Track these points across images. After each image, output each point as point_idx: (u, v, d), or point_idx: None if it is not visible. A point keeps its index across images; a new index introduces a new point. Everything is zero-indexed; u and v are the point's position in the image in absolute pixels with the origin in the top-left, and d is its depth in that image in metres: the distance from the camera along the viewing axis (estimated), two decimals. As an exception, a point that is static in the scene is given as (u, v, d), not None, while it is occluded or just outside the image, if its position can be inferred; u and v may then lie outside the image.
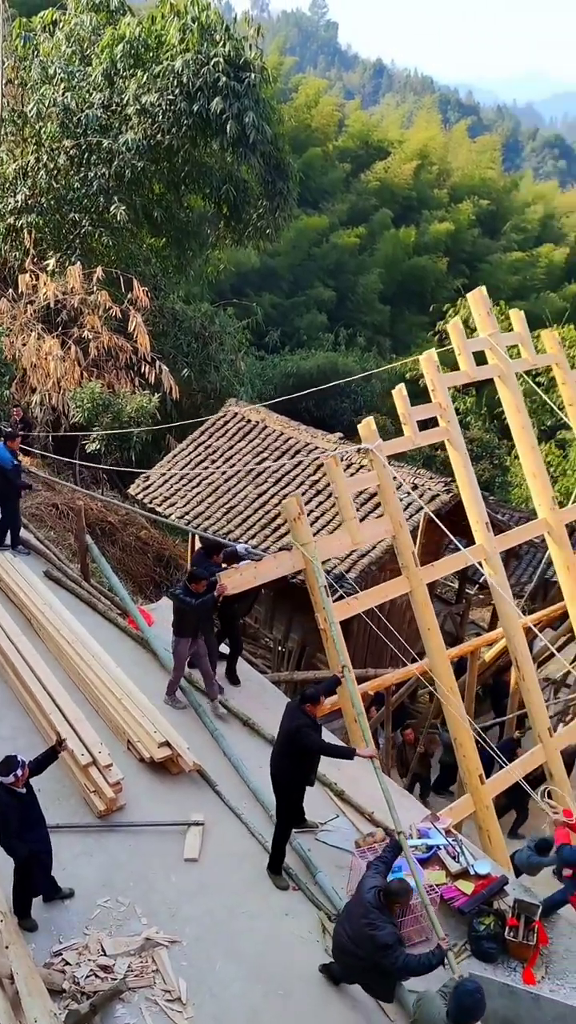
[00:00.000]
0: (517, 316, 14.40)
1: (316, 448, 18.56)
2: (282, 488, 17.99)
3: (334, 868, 8.48)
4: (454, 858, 8.22)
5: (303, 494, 17.82)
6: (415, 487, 16.23)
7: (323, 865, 8.46)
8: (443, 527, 13.07)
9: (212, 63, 21.82)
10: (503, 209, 55.71)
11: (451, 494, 16.12)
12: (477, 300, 13.64)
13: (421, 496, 15.92)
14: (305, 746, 7.87)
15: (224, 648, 11.36)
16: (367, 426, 11.68)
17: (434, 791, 15.07)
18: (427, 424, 12.67)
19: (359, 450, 11.89)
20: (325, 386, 19.39)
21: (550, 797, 9.59)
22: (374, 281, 46.61)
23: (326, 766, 9.58)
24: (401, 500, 16.27)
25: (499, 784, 12.01)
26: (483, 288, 13.90)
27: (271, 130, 23.37)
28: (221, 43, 22.15)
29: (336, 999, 7.24)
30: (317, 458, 18.47)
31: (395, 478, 12.11)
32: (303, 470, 18.35)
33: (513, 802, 15.03)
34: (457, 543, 13.29)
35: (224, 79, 21.76)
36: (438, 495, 16.18)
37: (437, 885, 7.88)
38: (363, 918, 6.51)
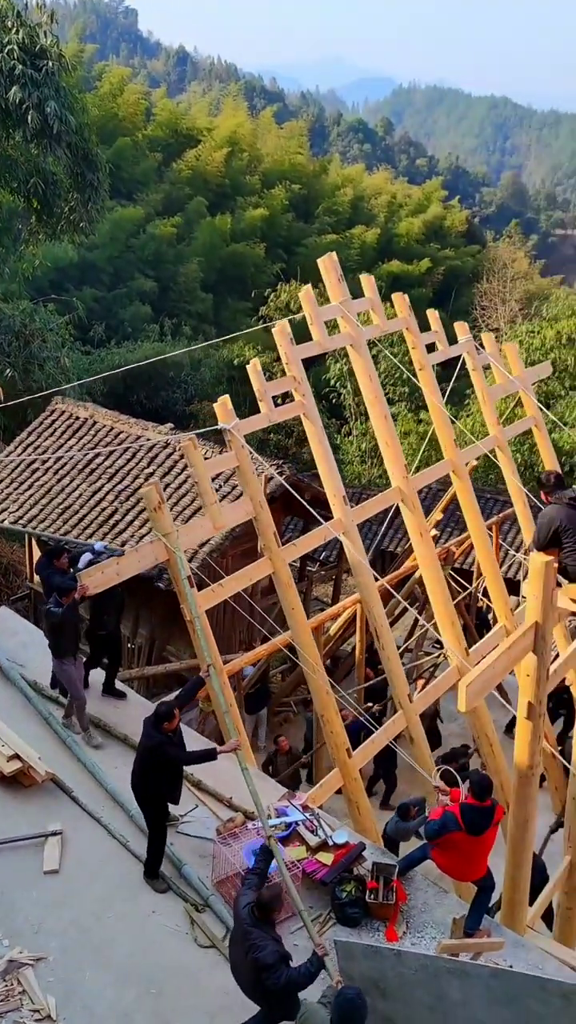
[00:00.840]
0: (368, 282, 13.95)
1: (148, 440, 18.39)
2: (117, 483, 17.74)
3: (198, 858, 8.49)
4: (312, 832, 8.41)
5: (139, 488, 17.61)
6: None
7: (187, 857, 8.46)
8: (304, 503, 12.82)
9: (6, 51, 21.03)
10: (314, 193, 56.73)
11: (284, 476, 16.35)
12: (328, 267, 13.07)
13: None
14: (165, 763, 7.87)
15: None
16: (223, 405, 11.28)
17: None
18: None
19: (218, 430, 11.20)
20: (130, 367, 18.85)
21: (443, 777, 9.80)
22: (194, 270, 46.49)
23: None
24: (236, 487, 16.43)
25: (365, 755, 12.30)
26: (333, 254, 13.36)
27: (75, 120, 22.81)
28: (14, 30, 21.39)
29: (210, 989, 7.26)
30: (151, 450, 18.31)
31: (254, 458, 11.79)
32: (137, 463, 18.15)
33: (382, 773, 15.55)
34: (319, 517, 12.88)
35: (20, 67, 21.04)
36: (272, 478, 16.38)
37: (299, 860, 8.03)
38: (244, 942, 6.32)
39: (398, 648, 13.97)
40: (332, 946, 7.10)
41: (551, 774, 15.15)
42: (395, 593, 14.15)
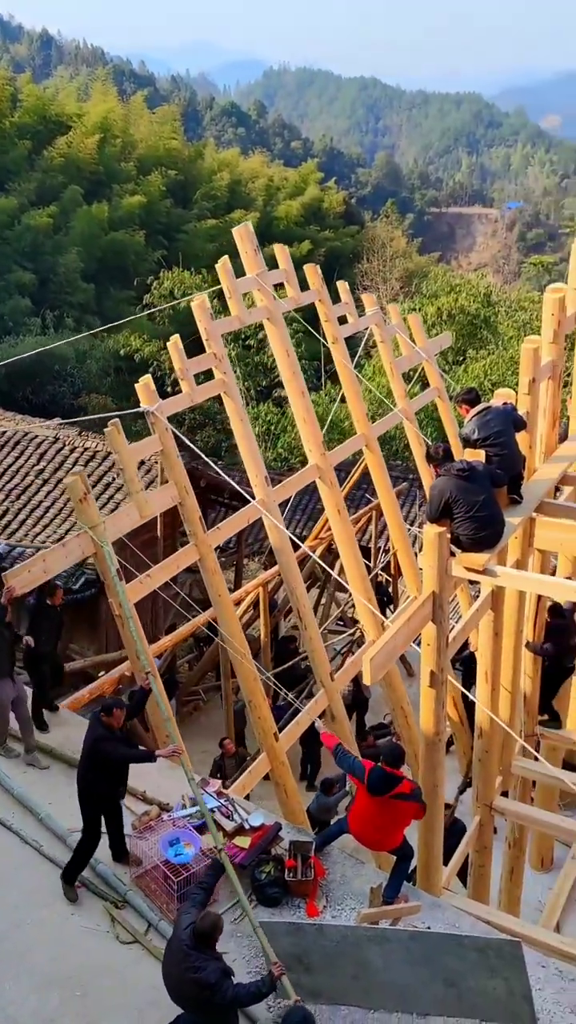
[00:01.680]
0: (282, 252, 13.60)
1: (36, 437, 17.97)
2: (6, 482, 17.29)
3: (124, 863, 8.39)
4: (228, 817, 8.43)
5: (30, 485, 17.22)
6: (142, 463, 16.16)
7: (102, 855, 8.34)
8: (232, 481, 12.60)
9: None
10: (191, 179, 56.20)
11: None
12: (244, 236, 12.54)
13: (148, 472, 15.90)
14: (105, 759, 7.72)
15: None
16: (146, 387, 10.68)
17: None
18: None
19: (143, 413, 10.64)
20: (11, 361, 18.43)
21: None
22: (74, 260, 45.44)
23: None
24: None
25: (291, 737, 12.37)
26: (248, 224, 12.94)
27: None
28: None
29: (137, 986, 7.21)
30: (40, 446, 17.90)
31: (178, 450, 11.40)
32: (26, 460, 17.72)
33: (308, 755, 15.71)
34: (246, 493, 12.45)
35: None
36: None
37: (216, 848, 8.03)
38: (183, 962, 6.00)
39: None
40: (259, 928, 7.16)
41: (459, 739, 15.62)
42: (330, 570, 14.17)
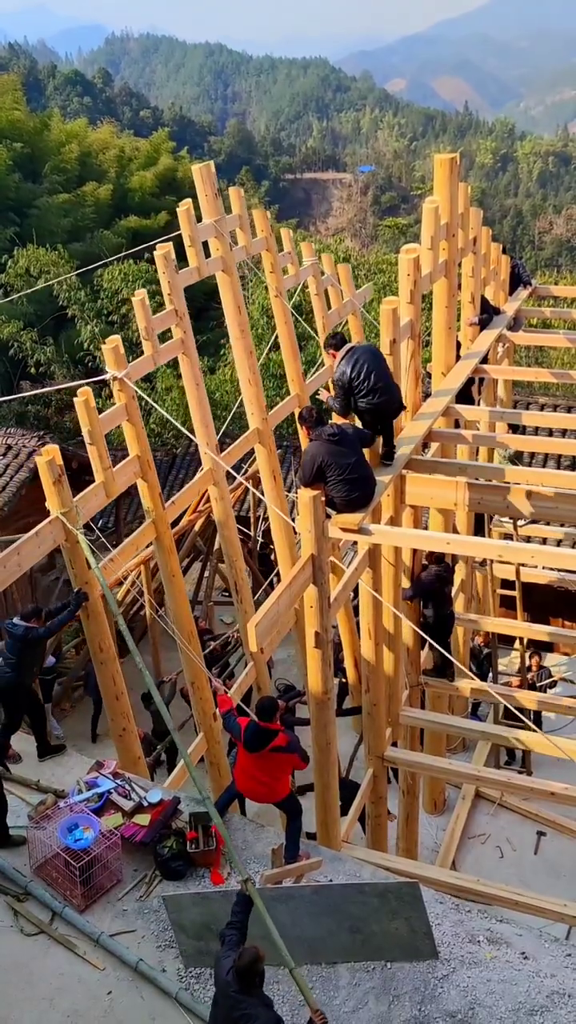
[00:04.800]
0: (236, 195, 12.60)
1: None
2: None
3: (12, 848, 8.22)
4: (126, 797, 8.40)
5: None
6: (9, 448, 15.71)
7: (-1, 850, 8.21)
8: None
9: None
10: (39, 151, 54.09)
11: (46, 447, 15.86)
12: (204, 178, 11.60)
13: (16, 456, 15.46)
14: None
15: None
16: (115, 350, 9.73)
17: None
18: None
19: (112, 379, 9.62)
20: None
21: None
22: None
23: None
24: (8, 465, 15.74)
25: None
26: (211, 164, 11.97)
27: None
28: None
29: (45, 975, 7.15)
30: None
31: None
32: None
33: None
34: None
35: None
36: (35, 451, 15.85)
37: (116, 828, 8.01)
38: (234, 1010, 5.64)
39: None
40: (161, 903, 7.20)
41: (354, 698, 15.95)
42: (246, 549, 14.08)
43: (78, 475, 18.48)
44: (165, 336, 10.98)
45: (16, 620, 8.99)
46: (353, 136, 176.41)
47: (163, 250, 10.66)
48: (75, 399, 9.26)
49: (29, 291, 24.86)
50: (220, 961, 5.85)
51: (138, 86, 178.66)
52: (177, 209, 11.22)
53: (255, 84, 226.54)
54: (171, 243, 10.80)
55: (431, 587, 11.69)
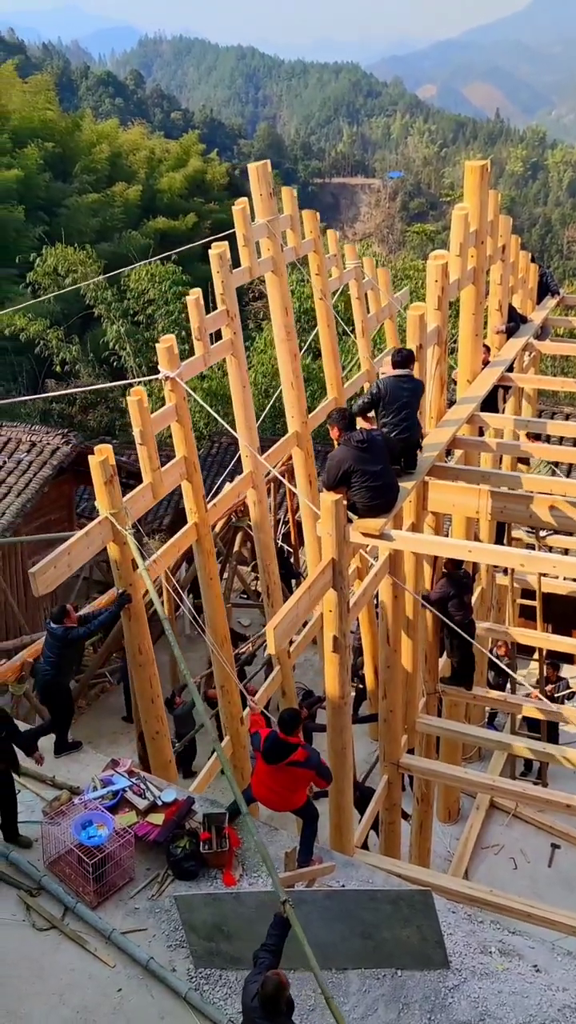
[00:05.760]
0: (289, 195, 12.37)
1: None
2: None
3: (20, 847, 8.26)
4: (140, 795, 8.42)
5: None
6: (33, 445, 15.81)
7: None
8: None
9: None
10: (70, 151, 54.54)
11: (71, 445, 15.94)
12: (260, 177, 11.47)
13: (40, 453, 15.54)
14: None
15: None
16: (168, 349, 9.56)
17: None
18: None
19: (165, 378, 9.42)
20: None
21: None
22: (-52, 238, 43.65)
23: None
24: (21, 460, 15.84)
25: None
26: (267, 163, 11.88)
27: None
28: None
29: (55, 970, 7.17)
30: None
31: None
32: None
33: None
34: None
35: None
36: (59, 448, 15.94)
37: (129, 826, 8.03)
38: None
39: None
40: (172, 903, 7.20)
41: (372, 705, 15.89)
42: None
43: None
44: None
45: (50, 623, 9.07)
46: (383, 142, 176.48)
47: (218, 249, 10.48)
48: (128, 398, 9.16)
49: (60, 292, 24.97)
50: (247, 984, 5.76)
51: (170, 88, 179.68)
52: (233, 208, 11.09)
53: (286, 88, 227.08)
54: (226, 243, 10.70)
55: (451, 594, 11.63)
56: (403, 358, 9.36)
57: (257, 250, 11.58)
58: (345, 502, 8.42)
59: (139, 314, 34.21)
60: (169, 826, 8.12)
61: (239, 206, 10.98)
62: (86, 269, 33.94)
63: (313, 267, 12.99)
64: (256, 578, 19.88)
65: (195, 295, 10.11)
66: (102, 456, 8.63)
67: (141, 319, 34.27)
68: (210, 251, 10.51)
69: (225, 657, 11.53)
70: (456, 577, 11.57)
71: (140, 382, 10.13)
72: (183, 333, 26.64)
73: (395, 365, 9.29)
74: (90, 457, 8.75)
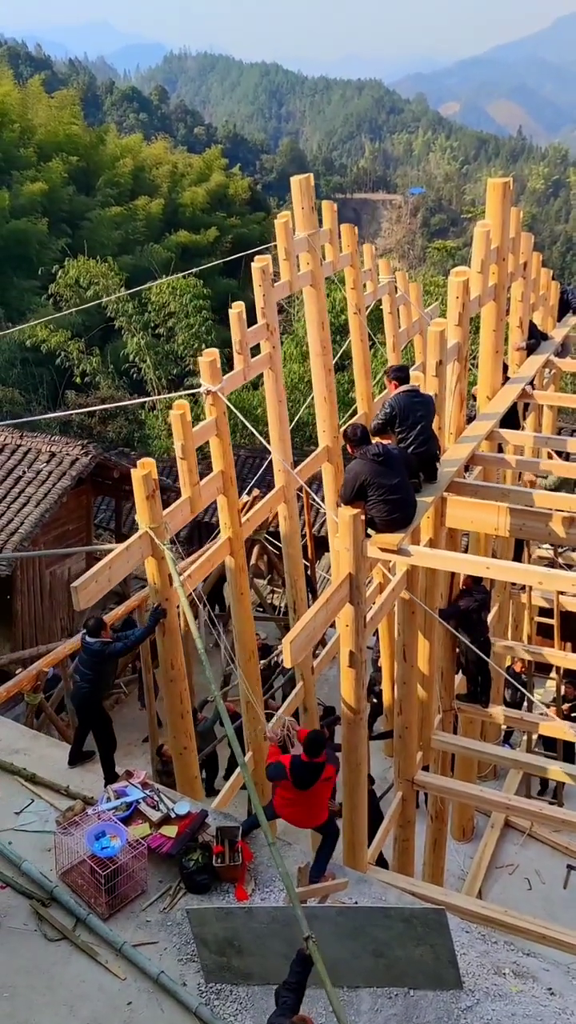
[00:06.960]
0: (330, 209, 12.22)
1: None
2: None
3: (39, 852, 8.27)
4: (154, 807, 8.40)
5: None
6: (53, 455, 15.89)
7: (27, 853, 8.23)
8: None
9: None
10: (93, 165, 55.11)
11: (90, 456, 16.02)
12: (303, 190, 11.32)
13: (60, 464, 15.62)
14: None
15: None
16: (212, 363, 9.50)
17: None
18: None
19: (206, 392, 9.44)
20: None
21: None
22: (-27, 249, 44.12)
23: (9, 753, 9.33)
24: (40, 470, 15.92)
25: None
26: (310, 177, 11.81)
27: None
28: None
29: (65, 981, 7.15)
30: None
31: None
32: None
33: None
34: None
35: None
36: (78, 459, 16.01)
37: (143, 838, 8.01)
38: None
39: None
40: (184, 916, 7.17)
41: (389, 722, 15.82)
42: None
43: (118, 484, 18.73)
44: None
45: (87, 638, 8.93)
46: (405, 158, 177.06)
47: (261, 263, 10.45)
48: (171, 412, 9.18)
49: (84, 306, 25.16)
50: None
51: (194, 103, 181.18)
52: (276, 221, 11.08)
53: (309, 104, 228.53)
54: (269, 257, 10.70)
55: (469, 612, 11.57)
56: (405, 373, 9.43)
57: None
58: (363, 517, 8.41)
59: (159, 327, 34.39)
60: (182, 838, 8.10)
61: (282, 219, 10.94)
62: (108, 281, 34.19)
63: (349, 281, 12.96)
64: (272, 591, 19.89)
65: (238, 308, 10.08)
66: (145, 470, 8.60)
67: (161, 332, 34.45)
68: (252, 265, 10.51)
69: (251, 672, 11.48)
70: (474, 596, 11.53)
71: (178, 396, 10.10)
72: (203, 346, 26.75)
73: (401, 382, 9.31)
74: (133, 471, 8.77)
